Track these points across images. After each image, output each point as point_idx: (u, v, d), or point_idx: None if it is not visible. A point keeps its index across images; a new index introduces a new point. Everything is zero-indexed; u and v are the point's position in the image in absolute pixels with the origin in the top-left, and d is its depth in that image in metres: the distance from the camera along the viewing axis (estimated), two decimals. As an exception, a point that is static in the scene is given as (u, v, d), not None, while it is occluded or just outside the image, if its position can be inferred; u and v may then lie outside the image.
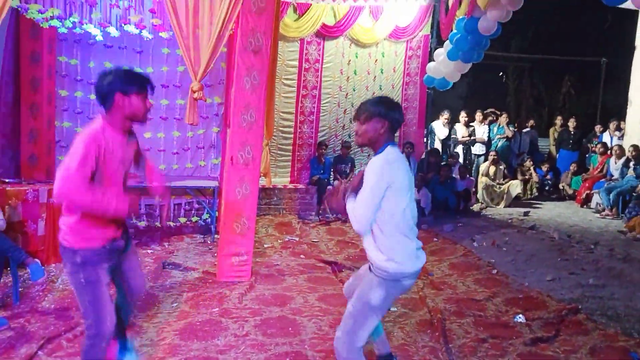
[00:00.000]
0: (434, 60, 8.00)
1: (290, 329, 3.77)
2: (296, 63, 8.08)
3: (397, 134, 8.69)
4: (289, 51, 8.02)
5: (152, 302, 4.18)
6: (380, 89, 8.79)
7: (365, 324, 2.54)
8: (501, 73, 21.67)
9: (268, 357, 3.30)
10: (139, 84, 2.51)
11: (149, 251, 5.76)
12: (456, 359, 3.40)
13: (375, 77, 8.78)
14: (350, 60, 8.52)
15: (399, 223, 2.49)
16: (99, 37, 5.83)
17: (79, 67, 6.49)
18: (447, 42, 7.48)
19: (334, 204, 2.59)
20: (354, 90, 8.63)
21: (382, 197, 2.42)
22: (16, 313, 3.83)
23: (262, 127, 4.85)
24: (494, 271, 5.37)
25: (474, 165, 9.62)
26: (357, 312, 2.56)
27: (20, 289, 4.14)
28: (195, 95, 4.86)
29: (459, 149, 9.66)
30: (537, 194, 9.70)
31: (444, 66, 7.64)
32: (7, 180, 5.42)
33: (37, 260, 3.94)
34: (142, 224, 6.67)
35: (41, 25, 5.54)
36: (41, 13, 5.29)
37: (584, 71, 16.33)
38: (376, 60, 8.71)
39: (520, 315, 4.14)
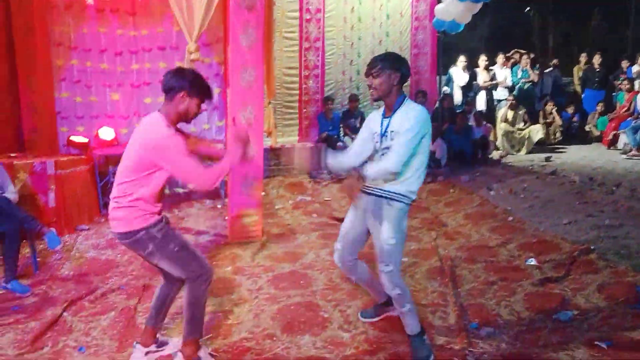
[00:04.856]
0: (442, 2, 8.10)
1: (301, 282, 4.16)
2: (297, 14, 8.23)
3: (408, 83, 9.00)
4: (288, 2, 8.15)
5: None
6: (388, 35, 8.92)
7: (403, 249, 3.01)
8: (528, 8, 21.37)
9: (281, 308, 3.69)
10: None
11: (159, 218, 6.16)
12: (464, 301, 3.76)
13: (381, 23, 8.90)
14: (353, 7, 8.64)
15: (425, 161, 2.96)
16: (90, 1, 6.09)
17: (72, 35, 6.76)
18: (455, -20, 7.58)
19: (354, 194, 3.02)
20: (360, 39, 8.78)
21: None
22: (37, 280, 4.28)
23: (262, 85, 5.14)
24: (510, 218, 5.67)
25: (497, 111, 9.75)
26: (400, 243, 2.96)
27: (38, 259, 4.58)
28: (192, 56, 5.14)
29: (481, 95, 9.78)
30: (561, 138, 9.85)
31: (453, 7, 7.73)
32: (12, 155, 5.83)
33: (52, 229, 4.35)
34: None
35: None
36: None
37: (614, 4, 16.12)
38: (381, 6, 8.82)
39: (532, 259, 4.46)
